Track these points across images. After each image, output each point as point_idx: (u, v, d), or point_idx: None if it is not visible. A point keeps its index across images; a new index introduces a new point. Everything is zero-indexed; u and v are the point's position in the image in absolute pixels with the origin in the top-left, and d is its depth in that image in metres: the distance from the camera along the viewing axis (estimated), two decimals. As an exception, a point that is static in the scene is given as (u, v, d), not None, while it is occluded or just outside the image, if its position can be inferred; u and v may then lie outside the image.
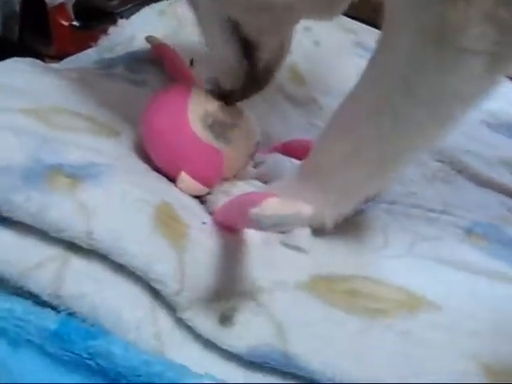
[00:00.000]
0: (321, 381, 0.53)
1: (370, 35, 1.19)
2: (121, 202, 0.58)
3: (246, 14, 0.66)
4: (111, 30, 1.09)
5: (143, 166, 0.70)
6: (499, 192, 0.92)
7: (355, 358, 0.55)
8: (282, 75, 1.06)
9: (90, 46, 1.08)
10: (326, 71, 1.14)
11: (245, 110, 0.75)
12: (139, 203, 0.59)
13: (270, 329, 0.56)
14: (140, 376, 0.49)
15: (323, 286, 0.61)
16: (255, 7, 0.65)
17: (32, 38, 1.26)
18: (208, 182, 0.70)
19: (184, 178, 0.69)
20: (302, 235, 0.66)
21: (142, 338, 0.53)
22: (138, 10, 1.18)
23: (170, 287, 0.54)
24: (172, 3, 1.16)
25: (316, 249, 0.66)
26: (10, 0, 1.21)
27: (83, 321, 0.52)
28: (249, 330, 0.56)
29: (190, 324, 0.55)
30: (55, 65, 1.00)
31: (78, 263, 0.55)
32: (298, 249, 0.66)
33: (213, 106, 0.71)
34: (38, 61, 0.87)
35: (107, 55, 1.01)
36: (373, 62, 0.63)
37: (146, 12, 1.16)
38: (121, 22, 1.12)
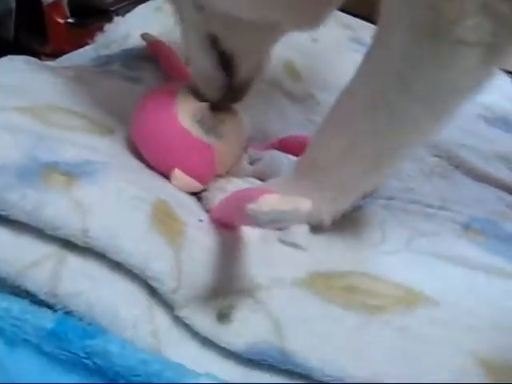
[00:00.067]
0: (319, 378, 0.53)
1: (367, 31, 1.19)
2: (116, 199, 0.58)
3: (227, 30, 0.67)
4: (107, 27, 1.09)
5: (138, 164, 0.70)
6: (496, 187, 0.92)
7: (353, 354, 0.55)
8: (279, 71, 1.06)
9: (85, 44, 1.08)
10: (324, 67, 1.14)
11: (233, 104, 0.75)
12: (135, 201, 0.59)
13: (267, 326, 0.56)
14: (138, 376, 0.49)
15: (321, 283, 0.61)
16: (239, 25, 0.65)
17: (27, 35, 1.25)
18: (202, 178, 0.70)
19: (177, 174, 0.68)
20: (300, 232, 0.66)
21: (139, 336, 0.53)
22: (133, 7, 1.18)
23: (166, 285, 0.54)
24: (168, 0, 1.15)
25: (314, 245, 0.66)
26: (5, -2, 1.20)
27: (80, 319, 0.52)
28: (246, 328, 0.56)
29: (187, 322, 0.55)
30: (51, 63, 1.00)
31: (74, 261, 0.55)
32: (295, 246, 0.65)
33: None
34: (33, 59, 0.86)
35: (103, 52, 1.00)
36: (368, 58, 0.63)
37: (142, 9, 1.16)
38: (116, 19, 1.12)
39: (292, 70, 1.09)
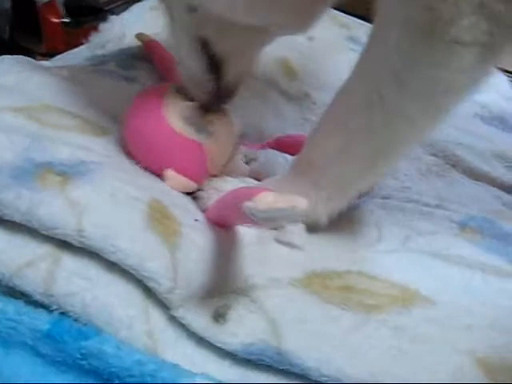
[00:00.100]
0: (315, 378, 0.53)
1: (363, 30, 1.19)
2: (112, 199, 0.58)
3: (219, 33, 0.66)
4: (102, 26, 1.09)
5: (133, 164, 0.70)
6: (493, 186, 0.93)
7: (349, 354, 0.54)
8: (275, 70, 1.06)
9: (80, 43, 1.07)
10: (320, 66, 1.14)
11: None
12: (130, 201, 0.59)
13: (263, 326, 0.56)
14: (133, 376, 0.49)
15: (317, 283, 0.61)
16: (230, 28, 0.64)
17: (22, 35, 1.25)
18: (195, 177, 0.70)
19: (170, 175, 0.68)
20: (296, 232, 0.66)
21: (135, 336, 0.53)
22: (128, 7, 1.18)
23: (162, 285, 0.54)
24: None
25: (310, 245, 0.66)
26: (0, -2, 1.20)
27: (75, 320, 0.52)
28: (243, 327, 0.55)
29: (183, 322, 0.55)
30: (46, 62, 1.00)
31: (69, 261, 0.54)
32: (291, 245, 0.65)
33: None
34: (28, 59, 0.86)
35: (98, 52, 1.00)
36: (364, 57, 0.63)
37: (137, 8, 1.16)
38: (112, 18, 1.11)
39: (288, 69, 1.09)
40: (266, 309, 0.57)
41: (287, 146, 0.81)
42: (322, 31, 1.16)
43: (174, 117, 0.68)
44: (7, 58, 0.82)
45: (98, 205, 0.57)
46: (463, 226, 0.76)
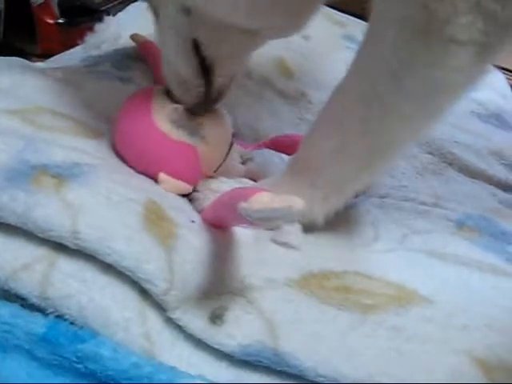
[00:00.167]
0: (312, 378, 0.53)
1: (358, 28, 1.19)
2: (107, 201, 0.58)
3: (212, 35, 0.65)
4: (97, 27, 1.08)
5: (128, 166, 0.70)
6: (489, 184, 0.93)
7: (347, 354, 0.54)
8: (270, 70, 1.06)
9: (76, 44, 1.07)
10: (316, 65, 1.14)
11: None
12: (126, 202, 0.59)
13: (260, 327, 0.56)
14: (130, 379, 0.49)
15: (314, 283, 0.61)
16: (225, 30, 0.64)
17: (17, 36, 1.24)
18: (189, 179, 0.70)
19: (164, 178, 0.68)
20: (293, 232, 0.66)
21: (131, 338, 0.52)
22: (124, 7, 1.17)
23: (158, 286, 0.54)
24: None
25: (307, 245, 0.66)
26: (-6, -1, 1.19)
27: (71, 323, 0.52)
28: (239, 329, 0.55)
29: (179, 323, 0.55)
30: (41, 64, 0.99)
31: (65, 264, 0.54)
32: (288, 246, 0.65)
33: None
34: (22, 60, 0.86)
35: (94, 53, 1.00)
36: (360, 56, 0.63)
37: (133, 9, 1.15)
38: (107, 19, 1.11)
39: (284, 69, 1.09)
40: (263, 310, 0.57)
41: (283, 145, 0.81)
42: (317, 30, 1.16)
43: (164, 120, 0.68)
44: (1, 59, 0.82)
45: (94, 207, 0.57)
46: (460, 225, 0.76)
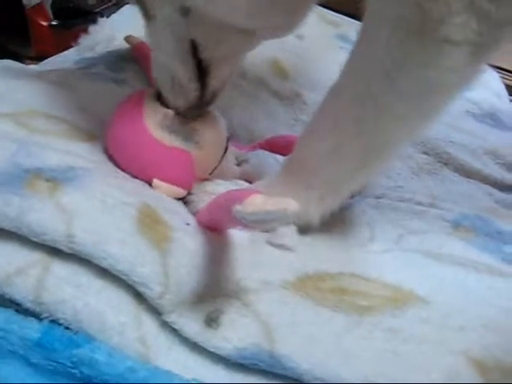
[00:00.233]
0: (309, 381, 0.52)
1: (352, 28, 1.19)
2: (102, 204, 0.58)
3: (211, 36, 0.64)
4: (91, 29, 1.08)
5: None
6: (485, 183, 0.93)
7: (343, 357, 0.54)
8: (265, 70, 1.06)
9: (70, 46, 1.06)
10: (310, 65, 1.14)
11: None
12: (120, 206, 0.58)
13: (256, 329, 0.55)
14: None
15: (310, 285, 0.61)
16: (223, 31, 0.63)
17: (10, 39, 1.24)
18: (183, 184, 0.69)
19: (158, 184, 0.68)
20: (288, 233, 0.66)
21: (127, 342, 0.52)
22: (118, 9, 1.17)
23: (153, 290, 0.54)
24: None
25: (302, 246, 0.66)
26: (-13, 2, 1.19)
27: (66, 328, 0.52)
28: (235, 332, 0.55)
29: (175, 327, 0.55)
30: (35, 66, 0.99)
31: (59, 268, 0.54)
32: (283, 247, 0.65)
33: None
34: (16, 63, 0.86)
35: (88, 55, 0.99)
36: (353, 56, 0.63)
37: (127, 10, 1.15)
38: (101, 20, 1.11)
39: (279, 69, 1.09)
40: (259, 312, 0.57)
41: (278, 146, 0.81)
42: (311, 30, 1.16)
43: (155, 127, 0.68)
44: (-6, 62, 0.82)
45: (88, 210, 0.57)
46: (456, 225, 0.76)
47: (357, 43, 0.62)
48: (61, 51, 1.07)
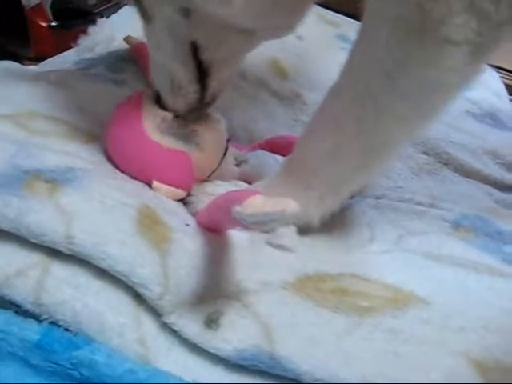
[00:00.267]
0: (309, 382, 0.52)
1: (352, 28, 1.19)
2: (101, 205, 0.58)
3: (212, 37, 0.64)
4: (91, 29, 1.08)
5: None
6: (485, 183, 0.93)
7: (343, 358, 0.54)
8: (265, 70, 1.06)
9: (69, 47, 1.06)
10: (310, 65, 1.14)
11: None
12: (120, 207, 0.58)
13: (256, 331, 0.55)
14: (125, 385, 0.49)
15: (310, 286, 0.61)
16: (224, 32, 0.63)
17: (10, 40, 1.24)
18: (183, 185, 0.69)
19: (157, 186, 0.68)
20: (288, 234, 0.65)
21: (126, 344, 0.52)
22: (117, 9, 1.17)
23: (153, 291, 0.54)
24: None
25: (302, 247, 0.65)
26: (-14, 3, 1.19)
27: (66, 329, 0.51)
28: (235, 333, 0.55)
29: (175, 328, 0.55)
30: (34, 67, 0.99)
31: (58, 269, 0.54)
32: (283, 248, 0.64)
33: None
34: (15, 64, 0.86)
35: (87, 55, 0.99)
36: (353, 56, 0.62)
37: (127, 11, 1.15)
38: (101, 21, 1.11)
39: (279, 69, 1.09)
40: (259, 313, 0.57)
41: (278, 147, 0.81)
42: (310, 30, 1.16)
43: (154, 129, 0.67)
44: (-7, 63, 0.82)
45: (87, 211, 0.57)
46: (456, 225, 0.76)
47: (356, 43, 0.62)
48: (60, 52, 1.07)
